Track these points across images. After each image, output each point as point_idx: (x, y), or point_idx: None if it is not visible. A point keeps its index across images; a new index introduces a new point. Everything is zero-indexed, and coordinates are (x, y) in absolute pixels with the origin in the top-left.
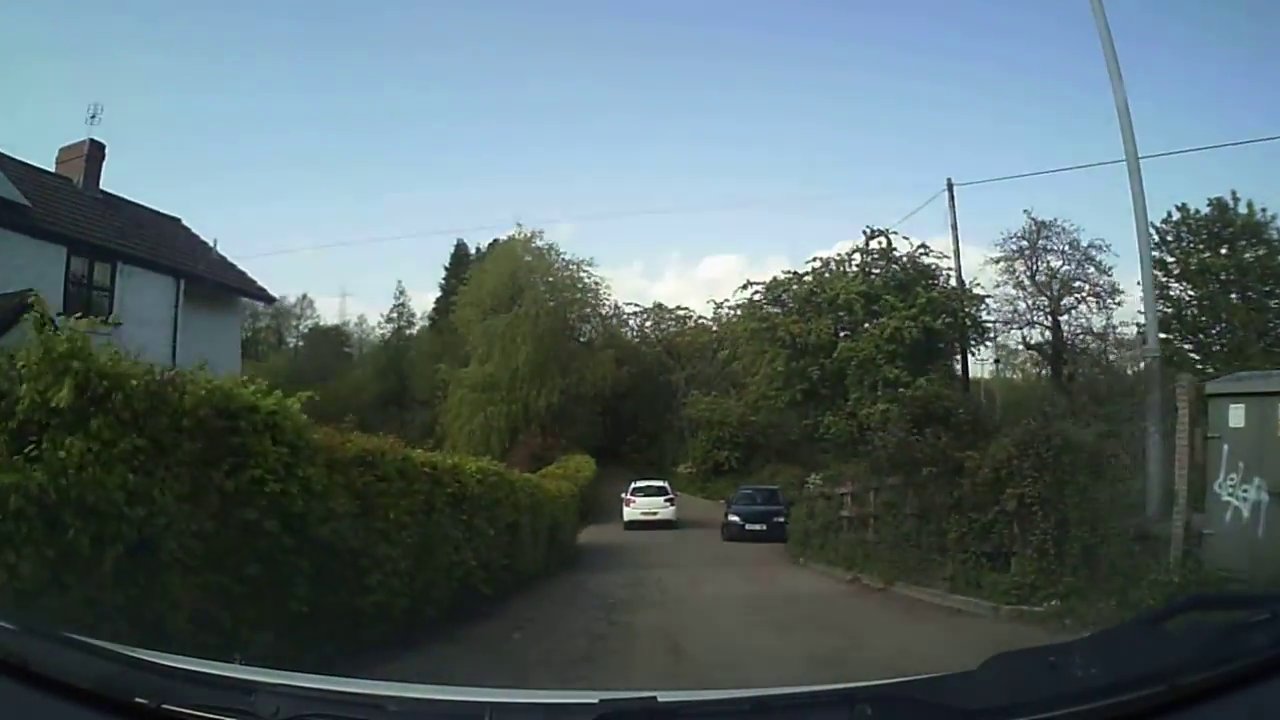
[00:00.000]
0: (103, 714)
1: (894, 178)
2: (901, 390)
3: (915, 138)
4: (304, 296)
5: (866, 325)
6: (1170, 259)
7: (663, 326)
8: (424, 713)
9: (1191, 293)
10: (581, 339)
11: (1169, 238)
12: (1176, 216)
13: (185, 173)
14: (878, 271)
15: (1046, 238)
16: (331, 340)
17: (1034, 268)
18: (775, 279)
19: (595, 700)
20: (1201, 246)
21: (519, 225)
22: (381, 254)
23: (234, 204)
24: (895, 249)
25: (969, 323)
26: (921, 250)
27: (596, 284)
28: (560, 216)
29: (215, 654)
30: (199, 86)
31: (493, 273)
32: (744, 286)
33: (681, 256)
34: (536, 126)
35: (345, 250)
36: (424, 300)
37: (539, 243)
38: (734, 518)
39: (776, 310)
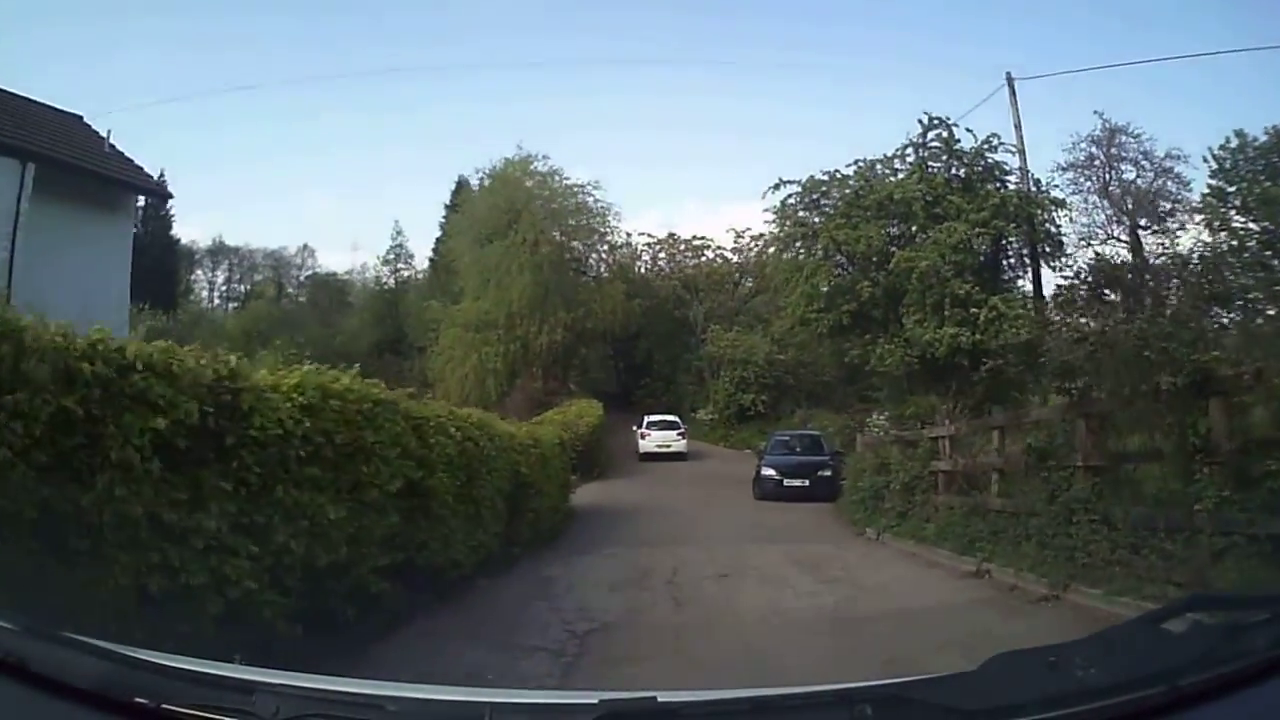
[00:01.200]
0: (103, 714)
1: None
2: (974, 311)
3: (963, 34)
4: (305, 246)
5: (926, 233)
6: (1230, 188)
7: (678, 259)
8: (424, 713)
9: (1253, 225)
10: (587, 271)
11: (1227, 165)
12: (1235, 143)
13: (192, 131)
14: (937, 166)
15: (1120, 144)
16: (331, 289)
17: (1107, 178)
18: (813, 178)
19: (595, 700)
20: (1262, 176)
21: (519, 148)
22: (395, 209)
23: (246, 159)
24: (958, 141)
25: (1044, 235)
26: (989, 144)
27: (604, 209)
28: (575, 163)
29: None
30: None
31: (488, 198)
32: (775, 187)
33: (702, 204)
34: (553, 76)
35: (359, 205)
36: (428, 244)
37: (541, 167)
38: (769, 471)
39: (816, 219)
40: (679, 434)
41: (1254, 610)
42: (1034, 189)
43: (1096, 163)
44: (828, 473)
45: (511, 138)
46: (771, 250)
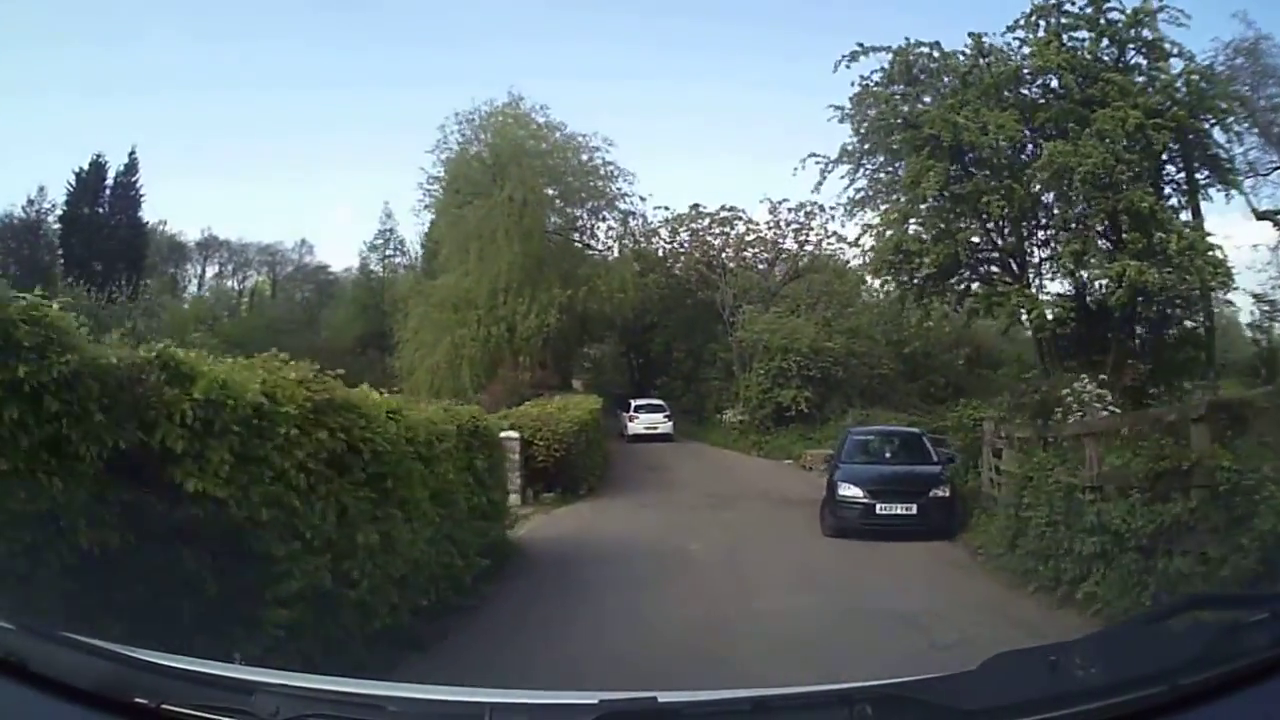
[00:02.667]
0: (103, 714)
1: None
2: (1161, 238)
3: None
4: (302, 241)
5: (1077, 125)
6: None
7: (701, 235)
8: (424, 713)
9: None
10: (593, 242)
11: None
12: None
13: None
14: (1079, 39)
15: (1266, 54)
16: (320, 282)
17: (1253, 95)
18: (909, 43)
19: (595, 700)
20: None
21: (512, 93)
22: (390, 193)
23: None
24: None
25: (1206, 154)
26: (1146, 14)
27: (614, 170)
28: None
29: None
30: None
31: (467, 148)
32: (852, 57)
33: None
34: (559, 49)
35: (358, 195)
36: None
37: (539, 118)
38: (850, 491)
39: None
40: (665, 416)
41: (1254, 610)
42: (1200, 84)
43: (1241, 77)
44: (943, 492)
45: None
46: (840, 161)
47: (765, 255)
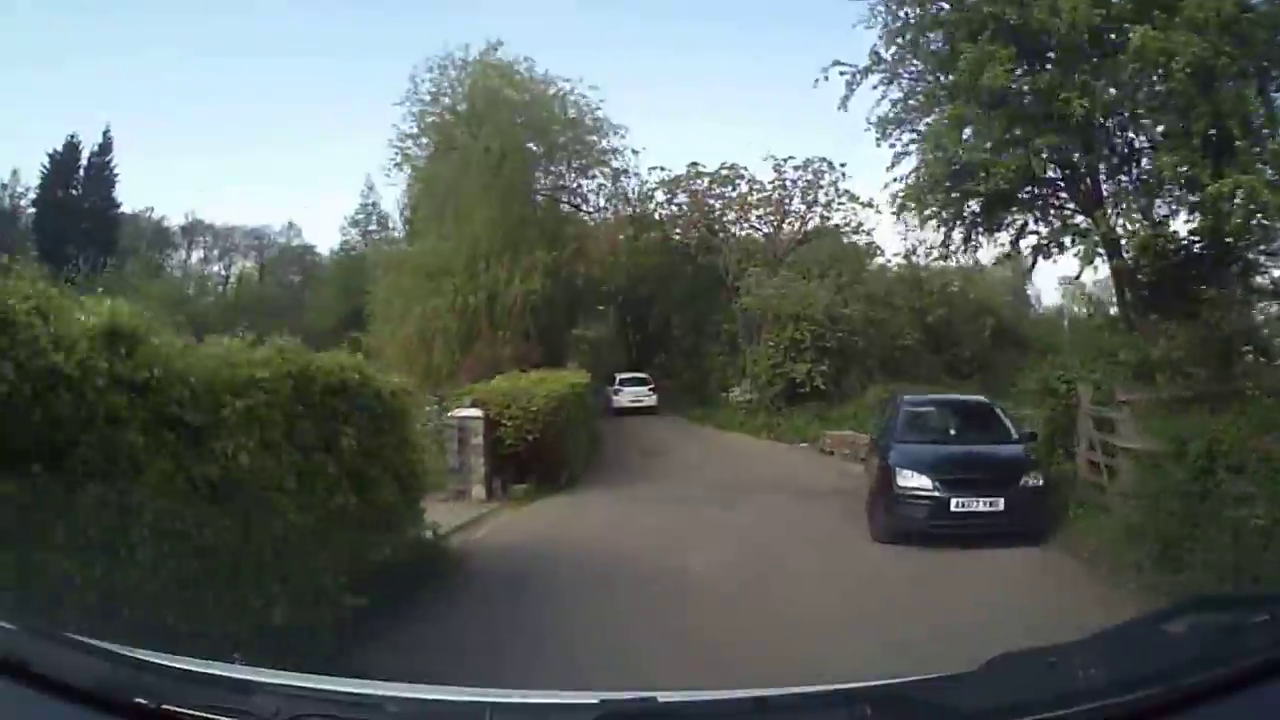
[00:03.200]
0: (103, 714)
1: None
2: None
3: None
4: (290, 224)
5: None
6: None
7: (700, 196)
8: (424, 713)
9: None
10: (582, 203)
11: None
12: None
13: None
14: None
15: None
16: (306, 264)
17: None
18: None
19: (595, 700)
20: None
21: (488, 40)
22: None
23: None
24: None
25: None
26: None
27: (601, 122)
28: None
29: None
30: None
31: (443, 105)
32: None
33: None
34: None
35: (355, 177)
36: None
37: (520, 69)
38: (915, 482)
39: None
40: (649, 389)
41: (1254, 610)
42: None
43: None
44: (1036, 480)
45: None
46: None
47: (771, 216)
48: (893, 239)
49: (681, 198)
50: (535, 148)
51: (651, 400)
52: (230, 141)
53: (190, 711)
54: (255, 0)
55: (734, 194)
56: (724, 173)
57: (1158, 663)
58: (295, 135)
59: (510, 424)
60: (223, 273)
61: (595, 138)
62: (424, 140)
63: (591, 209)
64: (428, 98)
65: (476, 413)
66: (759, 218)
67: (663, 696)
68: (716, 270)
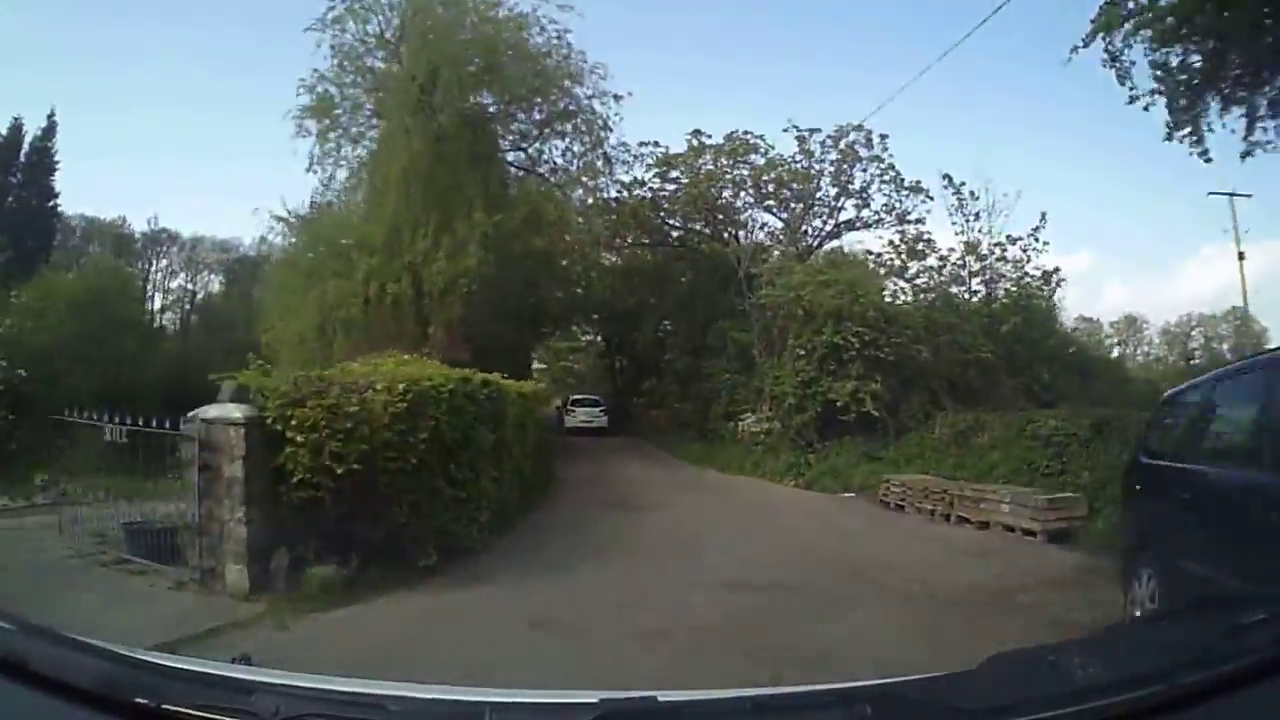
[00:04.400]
0: (103, 714)
1: None
2: None
3: None
4: (262, 238)
5: None
6: None
7: (701, 173)
8: (424, 712)
9: None
10: (544, 164)
11: None
12: None
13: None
14: None
15: None
16: (248, 268)
17: None
18: None
19: (595, 700)
20: None
21: None
22: None
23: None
24: None
25: None
26: None
27: (580, 66)
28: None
29: None
30: None
31: (365, 32)
32: None
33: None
34: None
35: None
36: None
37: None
38: None
39: None
40: (601, 410)
41: (1254, 610)
42: None
43: None
44: None
45: None
46: None
47: (794, 202)
48: (945, 232)
49: (681, 177)
50: (477, 80)
51: (602, 421)
52: (208, 152)
53: (190, 711)
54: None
55: (747, 171)
56: (734, 143)
57: (1158, 662)
58: (276, 147)
59: (306, 439)
60: (188, 285)
61: (569, 82)
62: (346, 80)
63: (556, 174)
64: (347, 23)
65: (236, 415)
66: (779, 202)
67: (663, 696)
68: (724, 267)
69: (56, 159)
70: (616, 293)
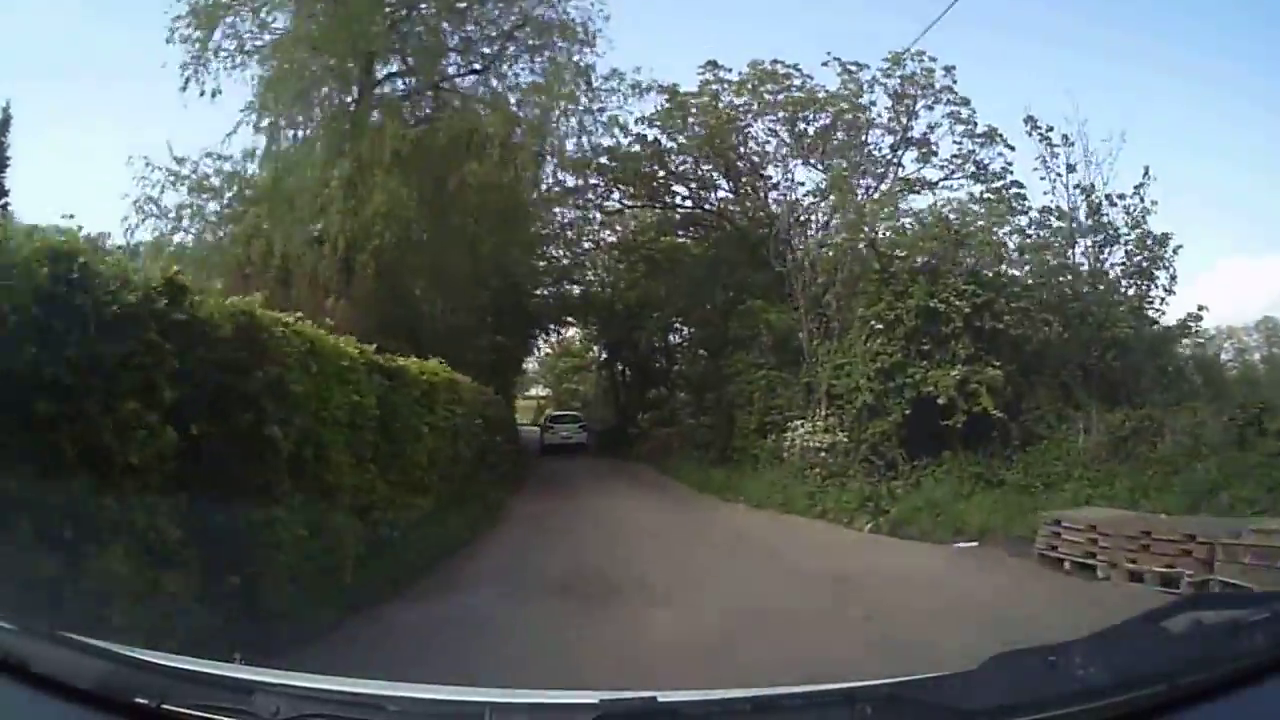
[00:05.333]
0: (103, 714)
1: None
2: None
3: None
4: None
5: None
6: None
7: (723, 112)
8: (424, 713)
9: None
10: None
11: None
12: None
13: None
14: None
15: None
16: None
17: None
18: None
19: (595, 700)
20: None
21: None
22: None
23: None
24: None
25: None
26: None
27: None
28: None
29: None
30: None
31: None
32: None
33: None
34: None
35: None
36: None
37: None
38: None
39: None
40: (580, 427)
41: (1254, 610)
42: None
43: None
44: None
45: None
46: None
47: (840, 139)
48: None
49: (691, 122)
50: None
51: (582, 438)
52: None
53: (190, 711)
54: None
55: (778, 102)
56: (759, 72)
57: (1157, 662)
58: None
59: None
60: None
61: None
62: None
63: (517, 93)
64: None
65: None
66: (822, 155)
67: (663, 696)
68: (750, 238)
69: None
70: (614, 280)
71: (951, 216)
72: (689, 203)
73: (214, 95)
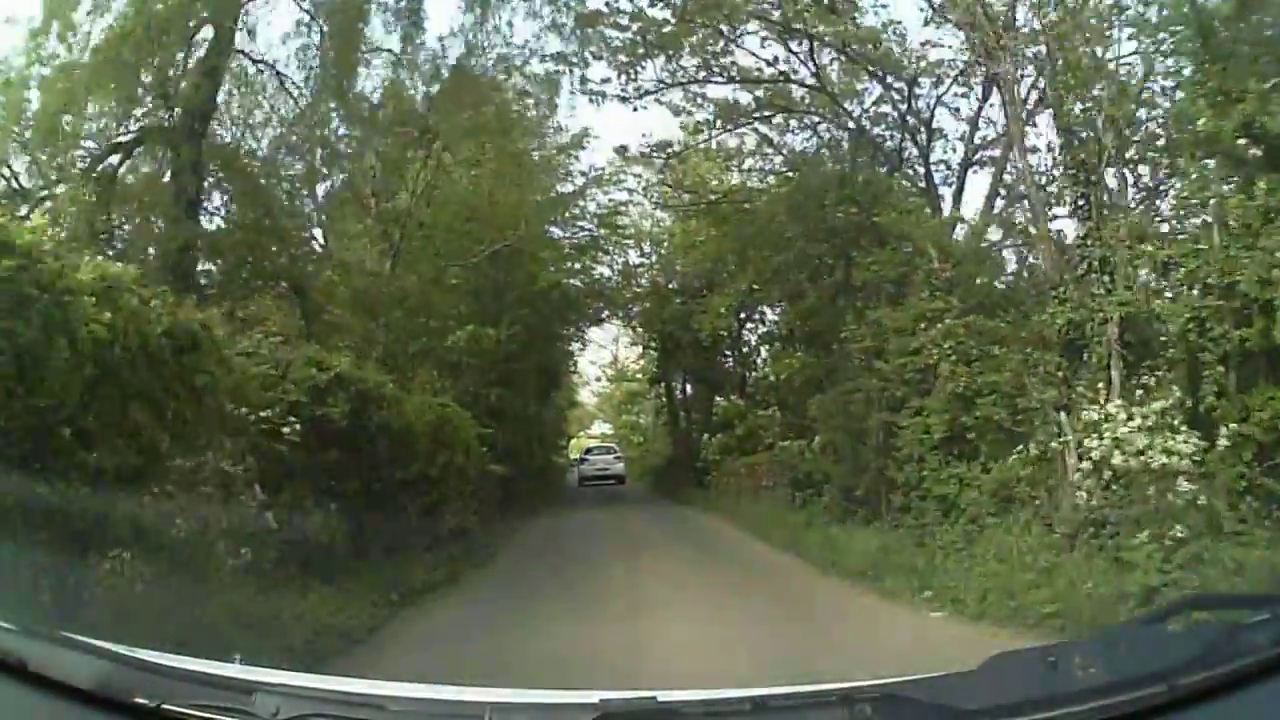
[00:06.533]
0: (103, 714)
1: None
2: None
3: None
4: None
5: None
6: None
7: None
8: (424, 712)
9: None
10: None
11: None
12: None
13: None
14: None
15: None
16: None
17: None
18: None
19: (595, 700)
20: None
21: None
22: None
23: None
24: None
25: None
26: None
27: None
28: None
29: None
30: None
31: None
32: None
33: None
34: None
35: None
36: None
37: None
38: None
39: None
40: (615, 457)
41: (1254, 610)
42: None
43: None
44: None
45: None
46: None
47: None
48: None
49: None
50: None
51: (619, 468)
52: None
53: (190, 711)
54: None
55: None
56: None
57: (1158, 662)
58: None
59: None
60: None
61: None
62: None
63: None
64: None
65: None
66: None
67: (663, 696)
68: (857, 146)
69: None
70: (660, 250)
71: None
72: (768, 74)
73: None
